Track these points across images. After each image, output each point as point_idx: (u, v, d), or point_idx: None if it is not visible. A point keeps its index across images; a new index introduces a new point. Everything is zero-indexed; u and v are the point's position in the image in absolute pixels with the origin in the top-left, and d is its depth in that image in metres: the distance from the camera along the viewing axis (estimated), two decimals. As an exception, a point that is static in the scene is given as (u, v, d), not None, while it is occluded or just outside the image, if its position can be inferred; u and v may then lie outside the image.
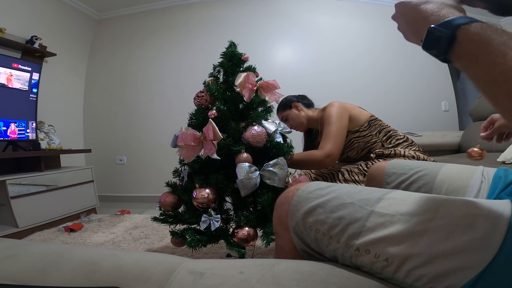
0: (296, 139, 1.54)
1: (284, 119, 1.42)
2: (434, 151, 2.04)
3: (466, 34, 0.30)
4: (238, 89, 0.99)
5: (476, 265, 0.28)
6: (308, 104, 1.44)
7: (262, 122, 1.00)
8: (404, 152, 1.21)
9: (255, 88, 1.01)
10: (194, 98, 1.06)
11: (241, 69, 1.08)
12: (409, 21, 0.39)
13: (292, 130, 1.17)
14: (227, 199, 1.04)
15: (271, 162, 0.90)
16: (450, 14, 0.34)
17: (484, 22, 0.30)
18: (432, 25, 0.33)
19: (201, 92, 1.05)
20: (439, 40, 0.31)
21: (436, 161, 1.05)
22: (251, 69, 1.06)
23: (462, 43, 0.30)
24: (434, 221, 0.32)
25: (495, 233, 0.29)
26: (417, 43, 0.37)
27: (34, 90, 2.11)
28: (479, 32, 0.29)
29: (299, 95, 1.47)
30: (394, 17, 0.43)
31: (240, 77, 0.99)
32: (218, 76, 1.07)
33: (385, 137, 1.29)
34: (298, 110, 1.40)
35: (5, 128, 1.93)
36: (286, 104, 1.41)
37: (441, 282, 0.29)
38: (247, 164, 0.89)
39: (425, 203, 0.36)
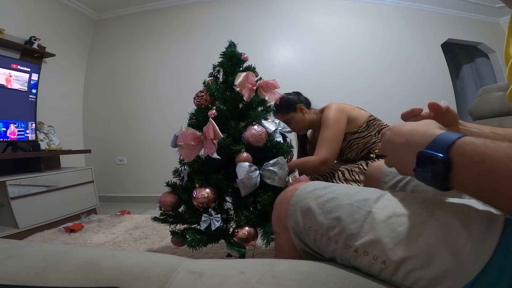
0: (296, 139, 1.54)
1: (286, 122, 1.31)
2: (434, 150, 2.04)
3: (463, 154, 0.28)
4: (237, 89, 0.99)
5: (473, 267, 0.28)
6: (308, 104, 1.40)
7: (262, 121, 1.00)
8: None
9: (254, 87, 1.01)
10: (194, 98, 1.06)
11: (241, 68, 1.08)
12: (395, 148, 0.38)
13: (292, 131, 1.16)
14: (227, 198, 1.04)
15: (271, 162, 0.90)
16: (433, 131, 0.33)
17: (466, 135, 0.29)
18: (421, 150, 0.31)
19: (200, 92, 1.05)
20: (434, 166, 0.29)
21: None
22: (250, 68, 1.06)
23: (461, 167, 0.28)
24: (430, 223, 0.32)
25: (491, 235, 0.28)
26: (409, 173, 0.35)
27: (33, 91, 2.11)
28: (470, 148, 0.27)
29: (296, 92, 1.42)
30: (382, 152, 0.43)
31: (240, 77, 0.99)
32: (218, 76, 1.07)
33: (384, 137, 1.28)
34: (303, 113, 1.33)
35: (4, 129, 1.93)
36: (290, 106, 1.33)
37: (439, 285, 0.29)
38: (247, 163, 0.89)
39: (421, 205, 0.36)
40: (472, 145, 0.28)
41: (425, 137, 0.33)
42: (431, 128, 0.35)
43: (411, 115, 0.51)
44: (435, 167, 0.29)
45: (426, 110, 0.52)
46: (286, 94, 1.37)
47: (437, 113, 0.51)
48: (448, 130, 0.52)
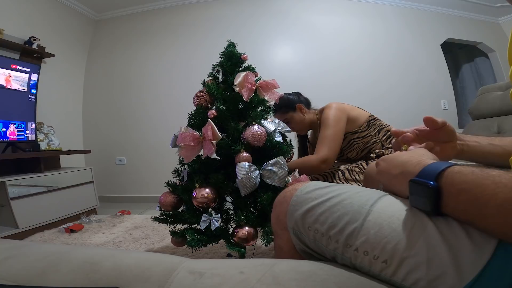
0: (296, 139, 1.54)
1: (286, 121, 1.30)
2: (434, 150, 2.04)
3: (452, 182, 0.30)
4: (237, 89, 0.99)
5: (472, 269, 0.28)
6: (308, 104, 1.39)
7: (262, 121, 1.00)
8: None
9: (254, 87, 1.01)
10: (194, 98, 1.06)
11: (240, 68, 1.08)
12: (390, 179, 0.41)
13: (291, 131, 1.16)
14: (227, 198, 1.04)
15: (270, 162, 0.90)
16: (425, 161, 0.36)
17: (457, 164, 0.31)
18: (412, 178, 0.33)
19: (200, 92, 1.05)
20: (425, 193, 0.31)
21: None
22: (250, 68, 1.06)
23: (451, 195, 0.30)
24: (430, 224, 0.32)
25: (490, 238, 0.28)
26: (403, 196, 0.38)
27: (33, 91, 2.11)
28: (459, 176, 0.29)
29: (296, 92, 1.41)
30: (378, 178, 0.45)
31: (239, 77, 0.99)
32: (217, 75, 1.07)
33: (384, 137, 1.29)
34: (303, 113, 1.33)
35: (4, 129, 1.93)
36: (289, 105, 1.32)
37: (438, 286, 0.29)
38: (247, 163, 0.89)
39: None
40: (460, 173, 0.30)
41: (418, 167, 0.35)
42: (424, 158, 0.38)
43: (402, 138, 0.54)
44: (426, 194, 0.31)
45: (422, 125, 0.53)
46: (286, 94, 1.37)
47: (433, 128, 0.51)
48: (446, 146, 0.52)
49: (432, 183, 0.31)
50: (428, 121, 0.51)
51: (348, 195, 0.41)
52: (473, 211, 0.28)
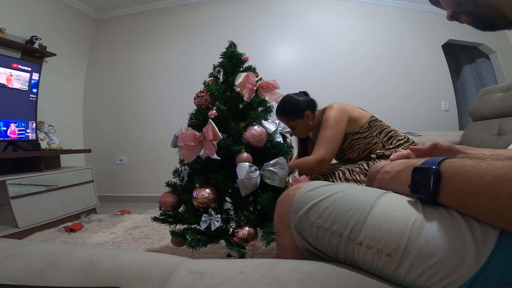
0: (296, 138, 1.54)
1: (291, 127, 1.25)
2: (434, 151, 2.03)
3: (450, 166, 0.33)
4: (238, 89, 0.99)
5: (476, 262, 0.28)
6: (314, 107, 1.34)
7: (262, 122, 1.00)
8: None
9: (255, 88, 1.01)
10: (194, 98, 1.06)
11: (241, 69, 1.08)
12: (395, 175, 0.45)
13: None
14: (227, 199, 1.04)
15: (271, 162, 0.90)
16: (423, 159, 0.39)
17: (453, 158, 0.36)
18: (417, 166, 0.37)
19: (201, 92, 1.06)
20: (427, 177, 0.35)
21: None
22: (251, 69, 1.06)
23: (450, 176, 0.33)
24: (433, 217, 0.33)
25: (490, 234, 0.29)
26: (405, 190, 0.41)
27: (34, 90, 2.11)
28: (458, 161, 0.33)
29: (303, 92, 1.38)
30: (381, 181, 0.48)
31: (240, 77, 0.99)
32: (218, 76, 1.07)
33: (385, 138, 1.29)
34: (309, 120, 1.31)
35: (5, 128, 1.93)
36: (298, 114, 1.28)
37: (442, 280, 0.29)
38: (247, 163, 0.89)
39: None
40: (460, 160, 0.34)
41: (421, 160, 0.40)
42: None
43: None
44: (428, 178, 0.34)
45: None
46: (294, 94, 1.32)
47: (422, 154, 0.53)
48: None
49: (434, 167, 0.34)
50: (414, 151, 0.53)
51: (351, 192, 0.42)
52: (467, 190, 0.30)
